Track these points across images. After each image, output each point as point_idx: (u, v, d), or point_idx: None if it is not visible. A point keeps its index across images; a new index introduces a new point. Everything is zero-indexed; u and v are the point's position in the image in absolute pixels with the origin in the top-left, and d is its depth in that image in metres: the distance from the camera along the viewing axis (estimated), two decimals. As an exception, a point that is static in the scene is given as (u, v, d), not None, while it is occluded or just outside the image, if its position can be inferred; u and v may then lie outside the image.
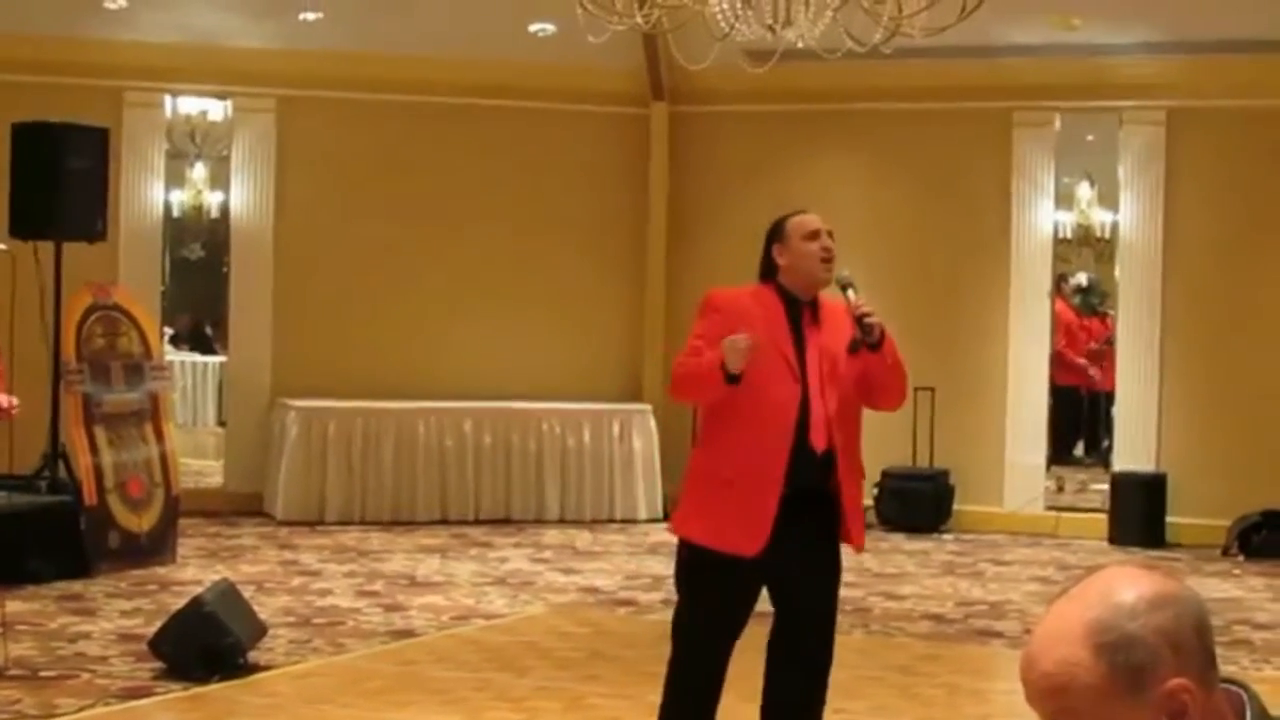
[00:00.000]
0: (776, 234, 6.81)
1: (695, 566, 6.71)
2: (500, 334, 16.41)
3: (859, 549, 6.92)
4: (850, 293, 6.75)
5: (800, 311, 6.72)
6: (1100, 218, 19.26)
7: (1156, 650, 2.37)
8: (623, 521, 15.84)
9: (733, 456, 6.61)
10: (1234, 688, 2.47)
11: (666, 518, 15.50)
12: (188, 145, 19.44)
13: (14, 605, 10.25)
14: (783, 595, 6.76)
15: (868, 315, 6.62)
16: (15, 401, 9.13)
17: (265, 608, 10.74)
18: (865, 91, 15.73)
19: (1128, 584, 2.43)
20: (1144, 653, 2.37)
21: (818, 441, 6.61)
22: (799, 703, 6.82)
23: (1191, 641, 2.40)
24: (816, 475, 6.61)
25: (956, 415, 15.93)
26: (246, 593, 10.35)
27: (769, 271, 6.79)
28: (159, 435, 13.38)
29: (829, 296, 6.82)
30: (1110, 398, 16.80)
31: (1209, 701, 2.40)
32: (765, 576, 6.64)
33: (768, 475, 6.54)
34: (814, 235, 6.75)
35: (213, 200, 19.71)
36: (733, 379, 6.41)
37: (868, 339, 6.64)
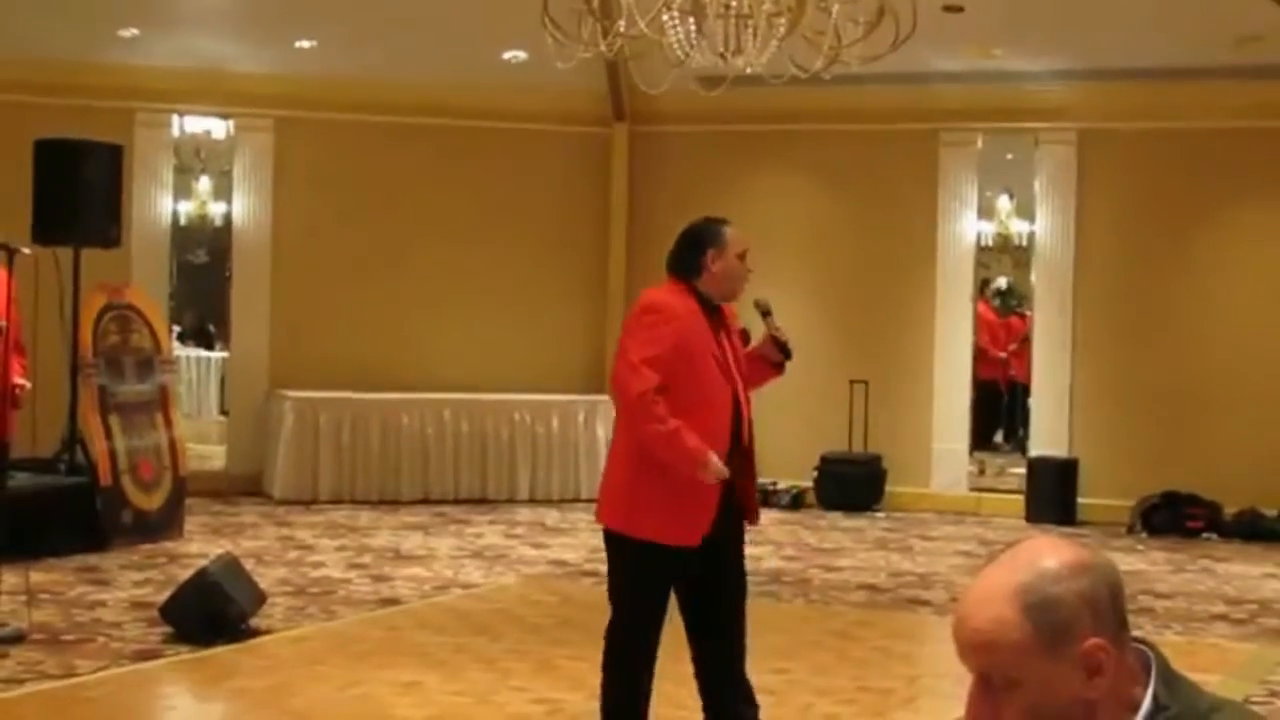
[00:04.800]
0: (714, 240, 6.59)
1: (642, 560, 6.54)
2: (477, 332, 16.39)
3: (757, 523, 6.83)
4: (771, 319, 6.69)
5: (713, 315, 6.61)
6: (1018, 227, 19.30)
7: (1077, 612, 2.39)
8: (588, 501, 15.72)
9: None
10: (1143, 647, 2.49)
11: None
12: (193, 161, 19.39)
13: (36, 576, 10.22)
14: (705, 575, 6.67)
15: (790, 342, 6.60)
16: (27, 384, 9.27)
17: (264, 578, 10.71)
18: (807, 114, 15.73)
19: (1051, 552, 2.44)
20: (1066, 613, 2.38)
21: (745, 435, 6.59)
22: (728, 662, 6.76)
23: (1107, 605, 2.42)
24: (743, 466, 6.60)
25: (888, 406, 15.96)
26: (247, 565, 10.34)
27: (694, 271, 6.58)
28: (167, 423, 13.35)
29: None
30: (1026, 390, 16.85)
31: (1121, 659, 2.42)
32: (693, 560, 6.59)
33: None
34: (744, 255, 6.61)
35: (216, 211, 19.64)
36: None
37: (786, 359, 6.62)
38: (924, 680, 9.01)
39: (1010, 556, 2.47)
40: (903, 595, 11.59)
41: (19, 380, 9.31)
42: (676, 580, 6.60)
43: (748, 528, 6.78)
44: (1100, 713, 2.40)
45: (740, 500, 6.64)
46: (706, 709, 6.79)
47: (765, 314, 6.77)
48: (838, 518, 15.29)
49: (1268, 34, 13.81)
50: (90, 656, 8.80)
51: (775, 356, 6.71)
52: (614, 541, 6.62)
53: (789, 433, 15.46)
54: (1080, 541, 2.52)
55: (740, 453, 6.57)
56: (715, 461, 6.34)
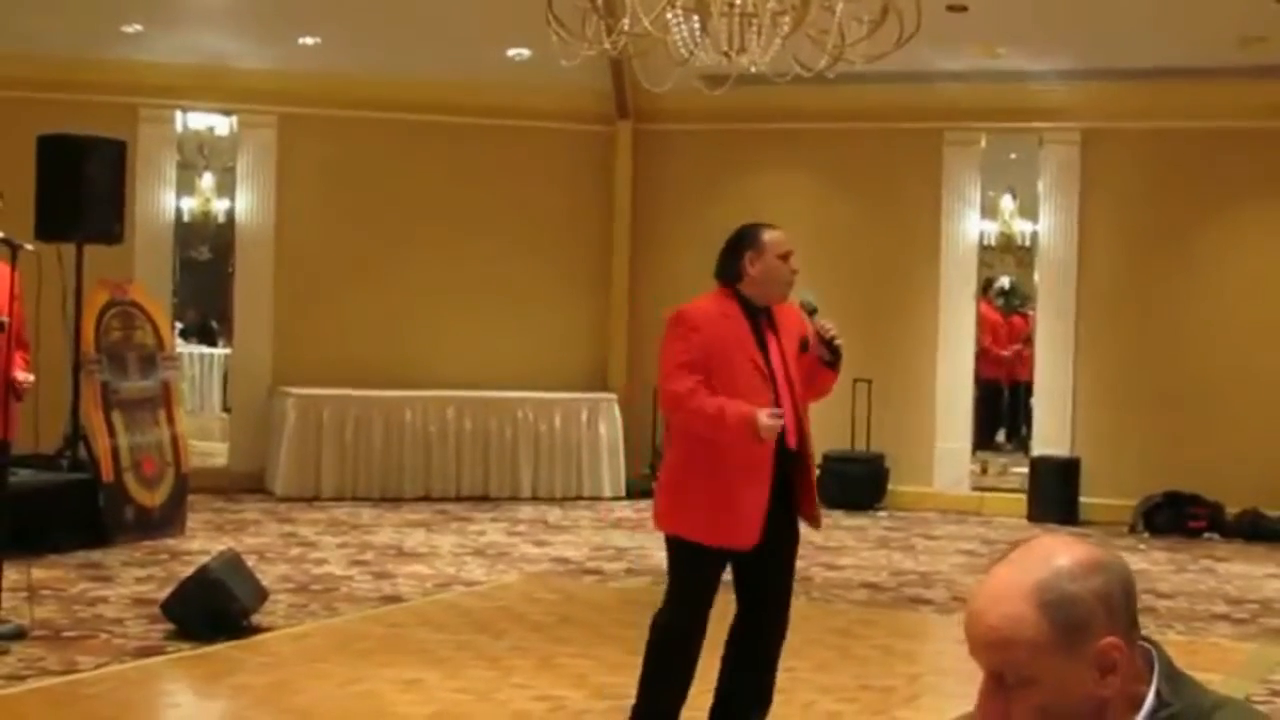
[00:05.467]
0: (752, 243, 6.64)
1: (686, 559, 6.60)
2: (480, 330, 16.39)
3: (819, 527, 6.87)
4: (817, 317, 6.72)
5: (758, 318, 6.63)
6: (1021, 227, 19.31)
7: (1093, 609, 2.38)
8: (590, 499, 15.82)
9: (719, 459, 6.47)
10: (1146, 644, 2.49)
11: (629, 496, 15.58)
12: (196, 157, 19.38)
13: (39, 572, 10.21)
14: (750, 578, 6.70)
15: (838, 339, 6.63)
16: (31, 378, 9.25)
17: (266, 575, 10.71)
18: (811, 113, 15.73)
19: (1065, 550, 2.44)
20: (1082, 611, 2.38)
21: (790, 439, 6.57)
22: (753, 661, 6.80)
23: (1120, 603, 2.42)
24: (790, 470, 6.59)
25: (891, 404, 15.96)
26: (249, 562, 10.33)
27: (735, 276, 6.64)
28: (170, 419, 13.34)
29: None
30: (1029, 389, 16.85)
31: (1132, 656, 2.42)
32: (738, 561, 6.61)
33: (756, 476, 6.45)
34: (786, 257, 6.65)
35: (219, 207, 19.64)
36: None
37: (837, 359, 6.65)
38: (926, 678, 9.01)
39: (1023, 554, 2.47)
40: (905, 594, 11.58)
41: (20, 374, 9.27)
42: (717, 583, 6.63)
43: (812, 532, 6.81)
44: (1109, 711, 2.40)
45: (795, 505, 6.64)
46: (716, 695, 6.83)
47: (810, 312, 6.78)
48: (840, 516, 15.25)
49: (1272, 34, 13.81)
50: (92, 653, 8.79)
51: (825, 355, 6.71)
52: (668, 543, 6.71)
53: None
54: (1091, 540, 2.51)
55: (789, 456, 6.57)
56: (764, 420, 6.32)
